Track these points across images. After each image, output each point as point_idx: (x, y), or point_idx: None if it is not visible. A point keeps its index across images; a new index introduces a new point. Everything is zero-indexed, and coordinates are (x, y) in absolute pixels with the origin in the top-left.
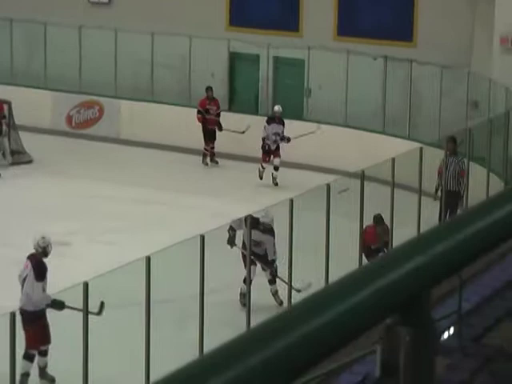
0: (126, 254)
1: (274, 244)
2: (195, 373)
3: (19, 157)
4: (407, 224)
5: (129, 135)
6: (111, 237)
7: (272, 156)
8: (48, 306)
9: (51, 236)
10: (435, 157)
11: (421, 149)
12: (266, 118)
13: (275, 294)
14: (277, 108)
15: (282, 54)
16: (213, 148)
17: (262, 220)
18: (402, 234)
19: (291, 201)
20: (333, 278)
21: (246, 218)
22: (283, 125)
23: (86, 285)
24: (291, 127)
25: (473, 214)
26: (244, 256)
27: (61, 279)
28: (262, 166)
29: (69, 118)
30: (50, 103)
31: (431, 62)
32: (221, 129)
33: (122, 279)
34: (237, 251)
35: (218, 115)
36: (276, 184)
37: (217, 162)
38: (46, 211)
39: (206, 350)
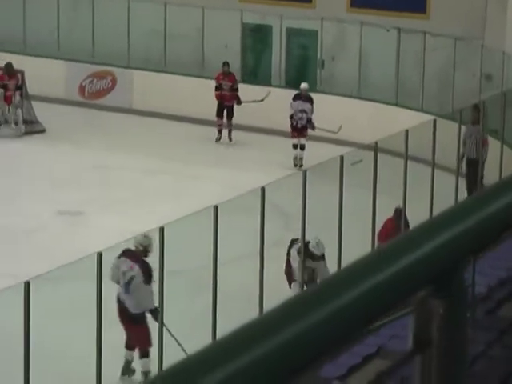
0: (139, 223)
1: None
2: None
3: (32, 126)
4: (420, 196)
5: (141, 106)
6: (123, 207)
7: (298, 135)
8: (151, 311)
9: (64, 205)
10: (448, 129)
11: (434, 121)
12: (292, 95)
13: None
14: (303, 85)
15: (295, 25)
16: (230, 124)
17: (311, 250)
18: (414, 206)
19: (304, 173)
20: (347, 251)
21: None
22: (310, 102)
23: (99, 255)
24: None
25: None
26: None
27: (74, 249)
28: (294, 146)
29: (81, 88)
30: (63, 73)
31: (444, 33)
32: (239, 102)
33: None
34: (247, 225)
35: (236, 90)
36: (301, 165)
37: (231, 140)
38: (59, 180)
39: (218, 320)
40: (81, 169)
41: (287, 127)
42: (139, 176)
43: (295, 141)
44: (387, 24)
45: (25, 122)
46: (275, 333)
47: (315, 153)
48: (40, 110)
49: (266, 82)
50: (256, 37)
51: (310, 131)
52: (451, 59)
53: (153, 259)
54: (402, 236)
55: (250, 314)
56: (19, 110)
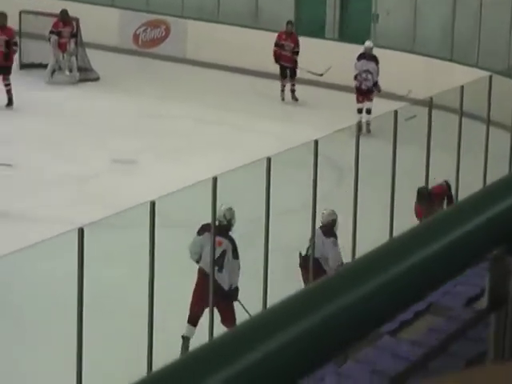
0: (191, 173)
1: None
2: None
3: (87, 74)
4: (474, 153)
5: (195, 55)
6: (176, 156)
7: (363, 99)
8: (232, 287)
9: (118, 153)
10: (504, 86)
11: (490, 77)
12: (357, 55)
13: None
14: (367, 43)
15: None
16: (293, 85)
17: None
18: (468, 163)
19: (358, 126)
20: (398, 208)
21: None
22: (375, 62)
23: (152, 204)
24: (357, 51)
25: None
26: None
27: (128, 197)
28: (359, 110)
29: (136, 37)
30: (117, 21)
31: None
32: (296, 67)
33: (188, 199)
34: (299, 178)
35: (296, 53)
36: (369, 131)
37: (296, 100)
38: (112, 129)
39: (269, 272)
40: (134, 117)
41: (340, 81)
42: (192, 126)
43: (360, 105)
44: None
45: (79, 69)
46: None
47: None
48: (94, 58)
49: (319, 34)
50: None
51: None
52: (509, 14)
53: (206, 211)
54: (479, 194)
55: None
56: (74, 58)
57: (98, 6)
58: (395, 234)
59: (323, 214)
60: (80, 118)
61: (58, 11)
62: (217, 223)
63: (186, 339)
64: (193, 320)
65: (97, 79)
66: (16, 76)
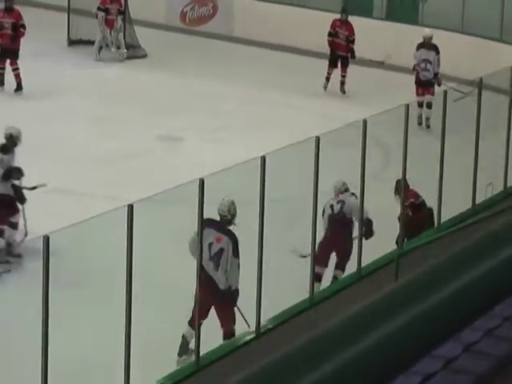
0: (238, 152)
1: None
2: None
3: (134, 51)
4: None
5: (242, 33)
6: (223, 135)
7: (423, 92)
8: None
9: (165, 131)
10: None
11: None
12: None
13: None
14: (426, 32)
15: None
16: (343, 76)
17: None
18: None
19: (407, 106)
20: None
21: None
22: (436, 51)
23: (202, 181)
24: (406, 31)
25: None
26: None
27: (175, 175)
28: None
29: (183, 14)
30: None
31: None
32: (353, 56)
33: (236, 178)
34: (346, 157)
35: (352, 41)
36: (428, 126)
37: (344, 92)
38: (159, 106)
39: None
40: (181, 95)
41: (387, 60)
42: (237, 104)
43: (420, 98)
44: None
45: (127, 46)
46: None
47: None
48: (141, 36)
49: (367, 13)
50: None
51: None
52: None
53: (254, 189)
54: None
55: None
56: (121, 35)
57: None
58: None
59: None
60: (127, 95)
61: None
62: (218, 218)
63: (184, 339)
64: (194, 322)
65: (144, 56)
66: (64, 52)
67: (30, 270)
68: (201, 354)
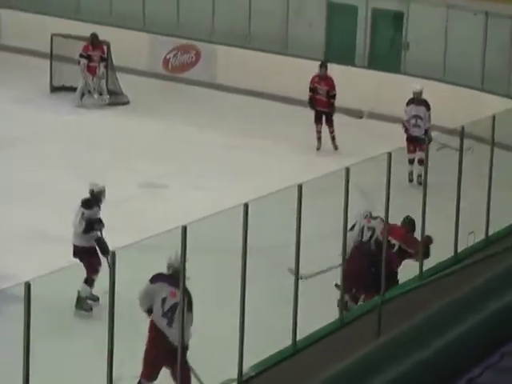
0: (221, 199)
1: None
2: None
3: (116, 98)
4: (507, 184)
5: (225, 81)
6: (204, 181)
7: (414, 149)
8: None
9: (148, 177)
10: None
11: None
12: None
13: None
14: (416, 87)
15: (381, 6)
16: (332, 132)
17: None
18: (501, 193)
19: (389, 155)
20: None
21: None
22: (427, 107)
23: (184, 228)
24: (387, 79)
25: None
26: None
27: (159, 222)
28: (410, 161)
29: (166, 61)
30: (147, 45)
31: None
32: (333, 111)
33: (218, 225)
34: (329, 204)
35: (332, 97)
36: (420, 183)
37: (336, 148)
38: (142, 152)
39: (300, 299)
40: (164, 142)
41: (368, 108)
42: (220, 151)
43: (411, 156)
44: (475, 8)
45: (110, 93)
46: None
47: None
48: (124, 82)
49: (349, 62)
50: (341, 16)
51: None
52: None
53: (237, 236)
54: None
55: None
56: (103, 81)
57: (128, 30)
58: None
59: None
60: (109, 141)
61: (89, 35)
62: (170, 271)
63: None
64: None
65: (127, 103)
66: (46, 98)
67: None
68: None
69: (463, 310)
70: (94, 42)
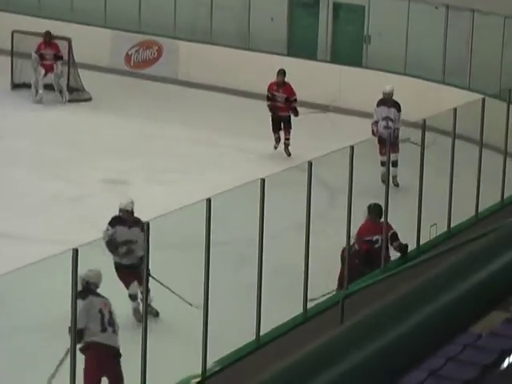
0: (184, 195)
1: None
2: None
3: (78, 94)
4: (467, 175)
5: (187, 76)
6: (168, 177)
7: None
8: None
9: (110, 174)
10: (496, 108)
11: (483, 100)
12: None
13: None
14: (386, 88)
15: (343, 0)
16: (287, 139)
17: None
18: (460, 185)
19: (352, 148)
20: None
21: None
22: (397, 109)
23: (147, 225)
24: (349, 73)
25: None
26: None
27: None
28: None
29: (127, 58)
30: (109, 42)
31: (494, 11)
32: (297, 114)
33: (182, 220)
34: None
35: (294, 101)
36: (397, 185)
37: (289, 155)
38: (105, 149)
39: (263, 293)
40: (126, 138)
41: (333, 101)
42: (183, 146)
43: (383, 158)
44: (436, 1)
45: (71, 89)
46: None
47: (352, 127)
48: (86, 79)
49: (311, 56)
50: (303, 10)
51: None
52: (500, 38)
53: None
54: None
55: (295, 287)
56: (62, 79)
57: (90, 26)
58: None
59: None
60: (72, 138)
61: (52, 31)
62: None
63: None
64: None
65: (89, 99)
66: (7, 95)
67: None
68: None
69: (422, 298)
70: (47, 39)
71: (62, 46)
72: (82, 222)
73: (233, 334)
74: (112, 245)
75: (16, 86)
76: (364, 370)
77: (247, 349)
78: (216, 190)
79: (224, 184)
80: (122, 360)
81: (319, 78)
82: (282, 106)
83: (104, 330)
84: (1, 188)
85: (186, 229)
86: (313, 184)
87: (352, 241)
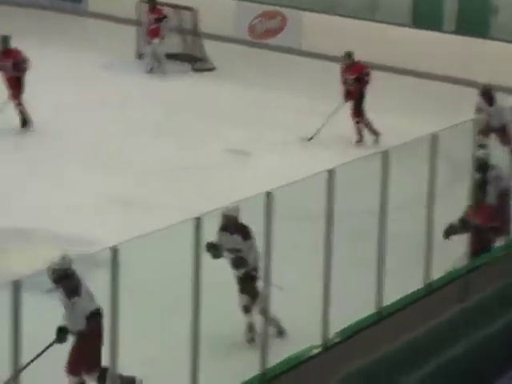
0: (303, 166)
1: None
2: None
3: (202, 64)
4: None
5: (310, 47)
6: (289, 148)
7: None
8: None
9: (232, 144)
10: None
11: None
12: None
13: None
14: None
15: None
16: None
17: None
18: None
19: (474, 121)
20: None
21: None
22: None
23: (269, 194)
24: (476, 45)
25: None
26: None
27: (241, 187)
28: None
29: (252, 28)
30: (233, 12)
31: None
32: (360, 101)
33: (302, 191)
34: (417, 170)
35: (364, 82)
36: None
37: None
38: (226, 118)
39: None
40: (247, 108)
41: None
42: (306, 118)
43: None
44: None
45: (195, 59)
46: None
47: None
48: (210, 49)
49: (437, 26)
50: None
51: None
52: None
53: (319, 203)
54: None
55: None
56: (157, 47)
57: None
58: None
59: None
60: (194, 107)
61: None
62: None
63: None
64: None
65: (212, 69)
66: (132, 64)
67: (97, 280)
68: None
69: None
70: (151, 6)
71: (187, 16)
72: (204, 190)
73: (354, 305)
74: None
75: (141, 56)
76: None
77: (368, 321)
78: (336, 161)
79: (345, 155)
80: None
81: (445, 49)
82: (351, 90)
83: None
84: (126, 155)
85: (305, 200)
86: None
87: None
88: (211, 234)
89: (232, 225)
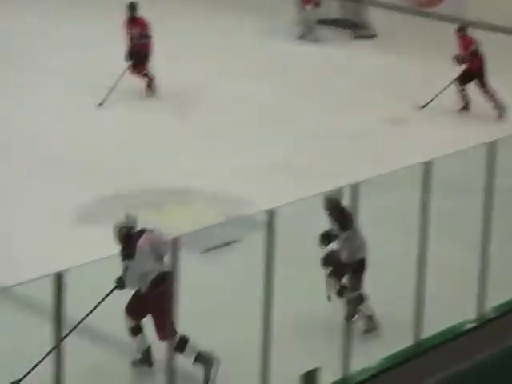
0: (461, 136)
1: None
2: None
3: (364, 31)
4: None
5: (475, 16)
6: (446, 119)
7: None
8: None
9: (389, 112)
10: None
11: None
12: None
13: None
14: None
15: None
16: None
17: None
18: None
19: None
20: None
21: None
22: None
23: (427, 164)
24: None
25: None
26: None
27: (400, 157)
28: None
29: None
30: None
31: None
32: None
33: (459, 163)
34: None
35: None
36: None
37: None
38: (383, 87)
39: None
40: (406, 77)
41: None
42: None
43: None
44: None
45: (358, 26)
46: None
47: None
48: (374, 16)
49: None
50: None
51: None
52: None
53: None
54: None
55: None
56: (309, 14)
57: None
58: None
59: None
60: (355, 74)
61: None
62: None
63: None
64: None
65: (373, 36)
66: (291, 30)
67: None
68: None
69: None
70: None
71: None
72: (362, 158)
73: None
74: None
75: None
76: None
77: None
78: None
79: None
80: None
81: None
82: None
83: None
84: (286, 120)
85: (465, 171)
86: None
87: None
88: (367, 199)
89: (333, 210)
